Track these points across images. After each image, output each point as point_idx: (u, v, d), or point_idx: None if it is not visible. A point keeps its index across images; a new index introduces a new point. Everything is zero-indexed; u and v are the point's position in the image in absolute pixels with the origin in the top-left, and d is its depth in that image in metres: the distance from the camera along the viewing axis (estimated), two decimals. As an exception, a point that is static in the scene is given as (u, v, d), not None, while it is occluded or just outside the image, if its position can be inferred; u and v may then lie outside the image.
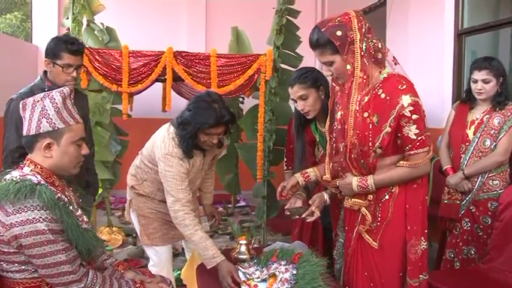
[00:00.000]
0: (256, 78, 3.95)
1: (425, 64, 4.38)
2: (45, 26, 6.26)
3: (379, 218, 1.94)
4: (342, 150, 1.95)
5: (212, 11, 6.63)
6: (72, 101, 1.70)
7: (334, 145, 2.01)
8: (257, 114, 4.02)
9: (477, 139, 2.81)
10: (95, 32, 4.32)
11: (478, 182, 2.80)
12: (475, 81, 2.82)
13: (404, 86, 1.81)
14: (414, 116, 1.78)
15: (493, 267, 2.54)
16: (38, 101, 1.62)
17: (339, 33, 1.77)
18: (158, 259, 2.60)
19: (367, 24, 1.83)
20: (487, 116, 2.80)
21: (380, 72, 1.89)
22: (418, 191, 1.92)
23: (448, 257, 2.92)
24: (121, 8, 5.98)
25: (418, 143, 1.82)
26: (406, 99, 1.78)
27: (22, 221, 1.50)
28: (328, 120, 2.09)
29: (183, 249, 3.89)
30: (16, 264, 1.57)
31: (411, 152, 1.84)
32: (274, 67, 3.94)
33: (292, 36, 4.08)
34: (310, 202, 2.28)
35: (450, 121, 3.04)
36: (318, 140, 2.59)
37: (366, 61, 1.81)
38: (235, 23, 5.00)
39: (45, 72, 2.46)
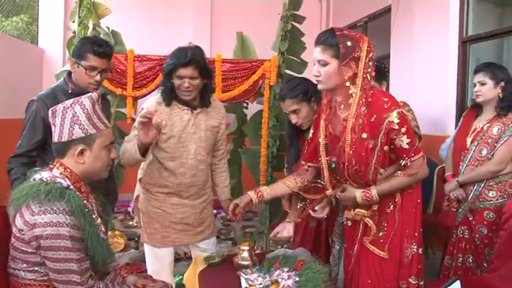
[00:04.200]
0: (261, 84, 3.96)
1: (430, 71, 4.40)
2: (51, 29, 6.29)
3: (386, 228, 1.97)
4: (338, 165, 1.98)
5: (217, 16, 6.66)
6: (101, 106, 1.71)
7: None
8: (261, 119, 4.03)
9: (474, 147, 2.80)
10: (101, 36, 4.34)
11: (473, 191, 2.78)
12: (474, 85, 2.84)
13: (389, 104, 1.85)
14: (403, 129, 1.83)
15: (497, 277, 2.51)
16: (68, 108, 1.62)
17: (348, 43, 1.81)
18: (158, 262, 2.59)
19: (373, 55, 1.86)
20: (488, 124, 2.78)
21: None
22: (413, 195, 2.00)
23: (446, 264, 2.92)
24: (127, 12, 5.99)
25: (412, 152, 1.87)
26: (392, 115, 1.82)
27: (46, 222, 1.51)
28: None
29: (185, 253, 3.91)
30: (30, 265, 1.58)
31: (408, 162, 1.89)
32: (278, 73, 3.96)
33: (297, 42, 4.09)
34: (316, 208, 2.25)
35: (458, 128, 3.05)
36: None
37: (365, 83, 1.85)
38: (240, 28, 5.01)
39: (69, 73, 2.39)
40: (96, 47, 2.28)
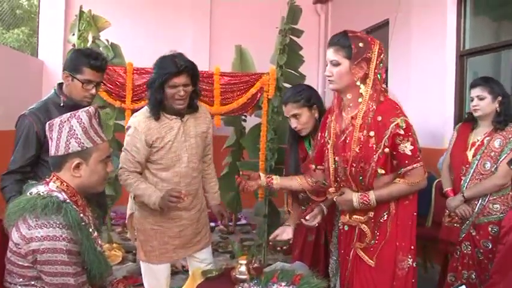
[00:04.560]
0: (259, 97, 3.98)
1: (428, 84, 4.40)
2: (51, 42, 6.30)
3: (377, 237, 1.98)
4: (341, 164, 1.99)
5: (216, 29, 6.70)
6: (97, 119, 1.71)
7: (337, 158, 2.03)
8: (259, 132, 4.04)
9: (477, 161, 2.78)
10: (100, 49, 4.36)
11: (478, 205, 2.76)
12: (472, 99, 2.85)
13: (398, 111, 1.91)
14: (408, 135, 1.88)
15: (496, 292, 2.49)
16: (65, 122, 1.62)
17: (360, 44, 1.87)
18: (155, 278, 2.56)
19: (383, 57, 1.93)
20: (488, 137, 2.78)
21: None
22: (408, 207, 1.99)
23: (449, 281, 2.87)
24: (126, 25, 6.03)
25: (414, 160, 1.90)
26: (399, 120, 1.87)
27: (43, 236, 1.49)
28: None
29: (183, 266, 3.88)
30: (26, 279, 1.56)
31: (409, 167, 1.90)
32: (277, 86, 3.98)
33: (295, 56, 4.12)
34: (308, 218, 2.28)
35: (452, 142, 3.03)
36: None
37: (376, 83, 1.91)
38: (239, 41, 5.04)
39: (59, 85, 2.32)
40: (92, 61, 2.21)
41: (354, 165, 1.93)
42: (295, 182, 2.30)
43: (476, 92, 2.82)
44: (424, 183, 1.97)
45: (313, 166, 2.22)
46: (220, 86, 3.88)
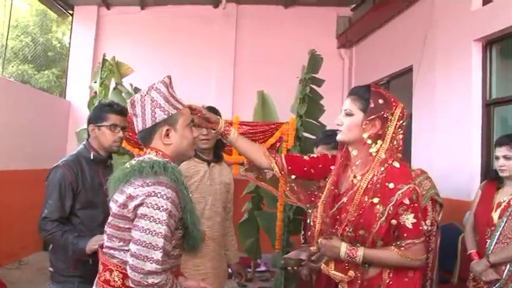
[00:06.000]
0: (278, 147, 3.94)
1: (453, 133, 4.26)
2: (79, 83, 6.51)
3: None
4: (330, 223, 1.80)
5: (240, 75, 6.80)
6: (173, 88, 1.73)
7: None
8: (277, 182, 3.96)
9: (503, 223, 2.62)
10: (122, 94, 4.45)
11: (506, 271, 2.59)
12: (497, 158, 2.72)
13: (410, 179, 1.74)
14: (413, 206, 1.69)
15: None
16: (145, 95, 1.65)
17: (380, 101, 1.76)
18: None
19: (405, 124, 1.80)
20: None
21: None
22: (409, 286, 1.76)
23: None
24: (151, 70, 6.12)
25: (415, 234, 1.70)
26: (406, 187, 1.70)
27: (149, 192, 1.50)
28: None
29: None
30: (126, 243, 1.54)
31: (407, 242, 1.70)
32: (296, 136, 3.94)
33: (316, 105, 4.08)
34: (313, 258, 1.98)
35: (476, 202, 2.88)
36: None
37: (391, 147, 1.76)
38: (261, 88, 5.07)
39: (88, 140, 2.44)
40: (114, 106, 2.41)
41: (348, 229, 1.73)
42: (256, 150, 2.02)
43: (502, 151, 2.70)
44: (420, 263, 1.74)
45: (283, 157, 1.99)
46: (238, 136, 3.86)
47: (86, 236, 2.14)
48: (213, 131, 2.03)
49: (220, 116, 2.14)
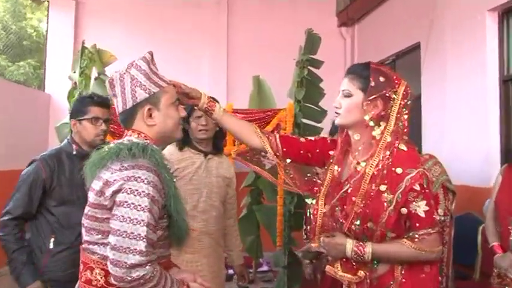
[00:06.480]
0: (276, 135, 3.65)
1: (467, 114, 4.06)
2: (59, 75, 6.07)
3: None
4: (334, 217, 1.67)
5: (233, 60, 6.54)
6: (155, 65, 1.63)
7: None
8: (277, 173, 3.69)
9: None
10: (105, 85, 4.16)
11: None
12: None
13: (419, 163, 1.66)
14: (424, 192, 1.59)
15: None
16: (124, 73, 1.55)
17: (381, 79, 1.65)
18: None
19: (410, 103, 1.68)
20: None
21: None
22: (426, 283, 1.65)
23: None
24: (139, 55, 5.91)
25: (428, 223, 1.59)
26: (416, 171, 1.59)
27: (127, 176, 1.40)
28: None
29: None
30: (105, 235, 1.43)
31: (420, 232, 1.59)
32: (295, 122, 3.69)
33: (315, 89, 3.78)
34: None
35: (497, 188, 2.64)
36: None
37: (397, 129, 1.65)
38: (257, 73, 4.86)
39: (70, 135, 2.42)
40: (95, 98, 2.35)
41: (355, 222, 1.61)
42: (247, 128, 1.88)
43: None
44: (437, 256, 1.64)
45: (277, 137, 1.86)
46: (232, 125, 3.60)
47: (34, 268, 2.15)
48: (196, 107, 1.88)
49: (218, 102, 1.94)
